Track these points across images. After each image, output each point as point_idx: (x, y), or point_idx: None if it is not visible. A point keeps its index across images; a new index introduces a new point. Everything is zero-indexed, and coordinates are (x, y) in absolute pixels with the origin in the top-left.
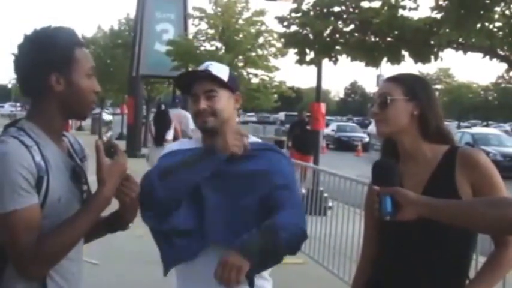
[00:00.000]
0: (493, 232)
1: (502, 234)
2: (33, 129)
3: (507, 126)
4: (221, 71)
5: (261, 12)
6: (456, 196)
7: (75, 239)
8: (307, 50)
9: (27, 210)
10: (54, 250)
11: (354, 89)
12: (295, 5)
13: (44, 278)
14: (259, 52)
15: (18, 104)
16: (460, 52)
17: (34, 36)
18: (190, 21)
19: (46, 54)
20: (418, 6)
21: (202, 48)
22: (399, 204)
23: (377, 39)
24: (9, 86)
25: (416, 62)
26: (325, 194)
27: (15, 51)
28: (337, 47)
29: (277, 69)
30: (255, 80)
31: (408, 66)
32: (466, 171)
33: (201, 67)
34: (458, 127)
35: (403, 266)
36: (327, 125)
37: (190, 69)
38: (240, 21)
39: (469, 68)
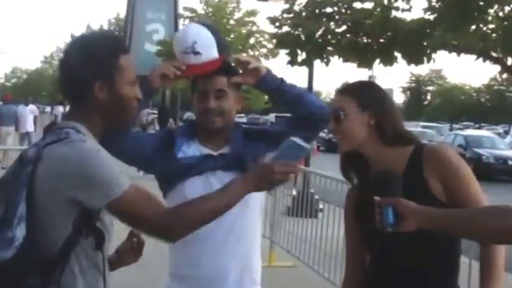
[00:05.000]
0: (495, 242)
1: (505, 244)
2: (85, 131)
3: (500, 129)
4: (209, 42)
5: (253, 13)
6: (428, 194)
7: (216, 211)
8: (299, 51)
9: (133, 187)
10: (196, 216)
11: None
12: (287, 6)
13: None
14: (251, 53)
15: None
16: (453, 54)
17: (81, 42)
18: (180, 22)
19: (92, 62)
20: (411, 7)
21: None
22: (401, 215)
23: (369, 40)
24: None
25: (409, 63)
26: (316, 196)
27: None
28: (329, 48)
29: None
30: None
31: (401, 67)
32: (433, 167)
33: (187, 50)
34: (451, 129)
35: (392, 274)
36: None
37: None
38: (231, 22)
39: (462, 70)
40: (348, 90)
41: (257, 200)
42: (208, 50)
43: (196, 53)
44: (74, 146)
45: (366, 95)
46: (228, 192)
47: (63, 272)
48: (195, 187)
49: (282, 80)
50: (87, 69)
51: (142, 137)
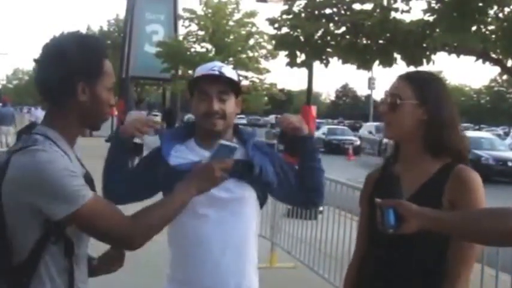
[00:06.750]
0: (495, 244)
1: (505, 245)
2: (56, 137)
3: (500, 130)
4: (233, 74)
5: (252, 14)
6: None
7: (166, 218)
8: (298, 52)
9: (93, 199)
10: (152, 223)
11: (345, 92)
12: (286, 7)
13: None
14: (250, 54)
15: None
16: (453, 55)
17: (69, 42)
18: (180, 23)
19: (80, 63)
20: (410, 8)
21: (192, 49)
22: (402, 216)
23: (369, 41)
24: None
25: (408, 64)
26: None
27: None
28: (329, 50)
29: (267, 71)
30: (245, 82)
31: (400, 68)
32: (453, 188)
33: (214, 68)
34: None
35: (393, 274)
36: (318, 128)
37: (180, 71)
38: (231, 23)
39: (462, 71)
40: (410, 78)
41: (253, 207)
42: (232, 76)
43: (222, 73)
44: (34, 155)
45: (427, 88)
46: (172, 199)
47: (31, 278)
48: None
49: (316, 150)
50: (72, 71)
51: (134, 175)
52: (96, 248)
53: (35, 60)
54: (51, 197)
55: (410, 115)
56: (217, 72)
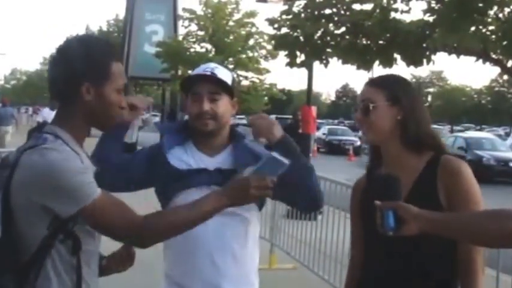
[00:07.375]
0: (495, 246)
1: (505, 247)
2: (66, 136)
3: (501, 130)
4: (226, 75)
5: (252, 14)
6: (439, 206)
7: (187, 220)
8: (298, 53)
9: (103, 195)
10: (165, 224)
11: (345, 92)
12: (286, 7)
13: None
14: (250, 54)
15: None
16: (453, 55)
17: (75, 43)
18: (180, 23)
19: (83, 64)
20: (410, 9)
21: (191, 50)
22: (402, 219)
23: (369, 42)
24: None
25: (408, 65)
26: None
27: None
28: (328, 50)
29: (267, 71)
30: (245, 83)
31: (400, 69)
32: (445, 179)
33: (207, 69)
34: (451, 131)
35: (392, 275)
36: (318, 128)
37: (180, 71)
38: (231, 23)
39: (462, 71)
40: (379, 83)
41: (253, 210)
42: (225, 77)
43: (214, 74)
44: (45, 154)
45: (396, 89)
46: (199, 205)
47: (38, 275)
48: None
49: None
50: (77, 71)
51: (128, 162)
52: (104, 247)
53: (50, 59)
54: (59, 195)
55: (385, 116)
56: (208, 73)
